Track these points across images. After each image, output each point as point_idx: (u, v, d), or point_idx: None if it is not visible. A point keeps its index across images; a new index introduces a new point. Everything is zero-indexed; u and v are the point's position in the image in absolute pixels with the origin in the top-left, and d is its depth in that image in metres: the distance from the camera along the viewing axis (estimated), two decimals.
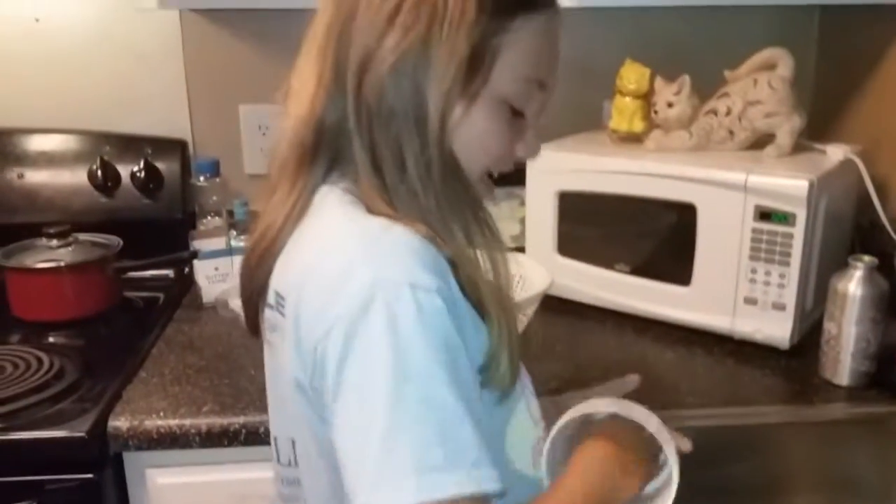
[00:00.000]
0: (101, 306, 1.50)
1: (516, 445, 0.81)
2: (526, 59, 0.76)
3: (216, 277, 1.53)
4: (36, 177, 1.65)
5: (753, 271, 1.31)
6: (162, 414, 1.16)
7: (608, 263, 1.47)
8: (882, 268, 1.21)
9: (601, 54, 1.59)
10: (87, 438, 1.11)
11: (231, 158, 1.73)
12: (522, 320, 1.24)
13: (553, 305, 1.47)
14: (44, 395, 1.19)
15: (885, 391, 1.21)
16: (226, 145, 1.75)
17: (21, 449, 1.12)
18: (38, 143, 1.66)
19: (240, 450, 1.14)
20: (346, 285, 0.66)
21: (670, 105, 1.44)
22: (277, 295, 0.76)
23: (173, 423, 1.14)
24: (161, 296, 1.59)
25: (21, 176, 1.64)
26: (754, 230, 1.29)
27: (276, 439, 0.85)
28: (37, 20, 1.66)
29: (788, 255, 1.27)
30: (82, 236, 1.55)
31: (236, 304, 1.42)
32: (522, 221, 1.57)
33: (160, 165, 1.68)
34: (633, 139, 1.51)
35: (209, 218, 1.65)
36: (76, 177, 1.65)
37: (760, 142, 1.43)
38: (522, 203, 1.56)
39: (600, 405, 0.88)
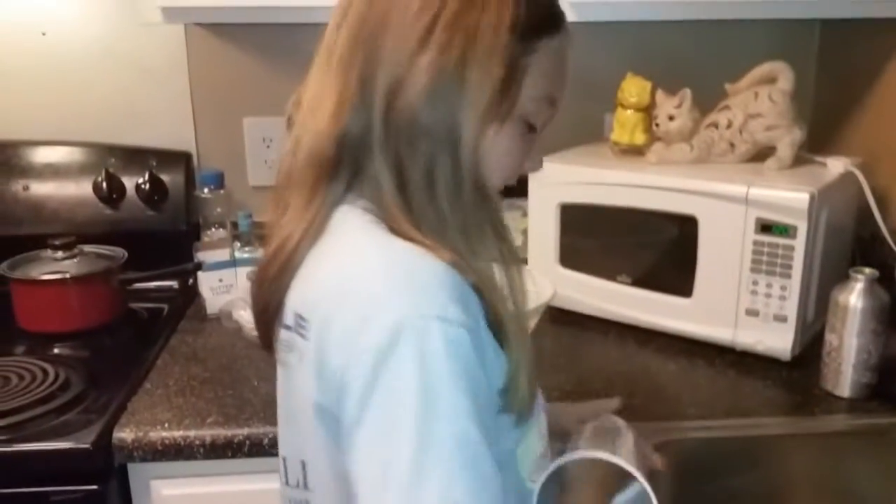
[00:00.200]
0: (105, 318, 1.51)
1: (526, 464, 0.81)
2: (546, 78, 0.77)
3: (220, 289, 1.53)
4: (41, 189, 1.66)
5: (755, 283, 1.31)
6: (166, 425, 1.16)
7: (610, 275, 1.47)
8: (883, 280, 1.22)
9: (603, 68, 1.60)
10: (91, 450, 1.11)
11: (235, 170, 1.75)
12: None
13: (555, 317, 1.48)
14: (49, 407, 1.19)
15: (887, 403, 1.22)
16: (230, 157, 1.76)
17: (26, 460, 1.12)
18: (43, 156, 1.67)
19: (244, 461, 1.15)
20: (376, 316, 0.66)
21: (671, 118, 1.45)
22: (298, 317, 0.75)
23: (178, 434, 1.15)
24: (165, 307, 1.60)
25: (27, 188, 1.66)
26: (755, 242, 1.30)
27: (284, 459, 0.84)
28: (43, 34, 1.68)
29: (789, 267, 1.28)
30: (87, 248, 1.56)
31: (240, 315, 1.44)
32: (524, 233, 1.58)
33: (165, 177, 1.69)
34: (635, 152, 1.52)
35: (213, 230, 1.66)
36: (81, 189, 1.66)
37: (761, 154, 1.43)
38: (524, 214, 1.57)
39: (603, 456, 0.85)
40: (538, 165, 0.85)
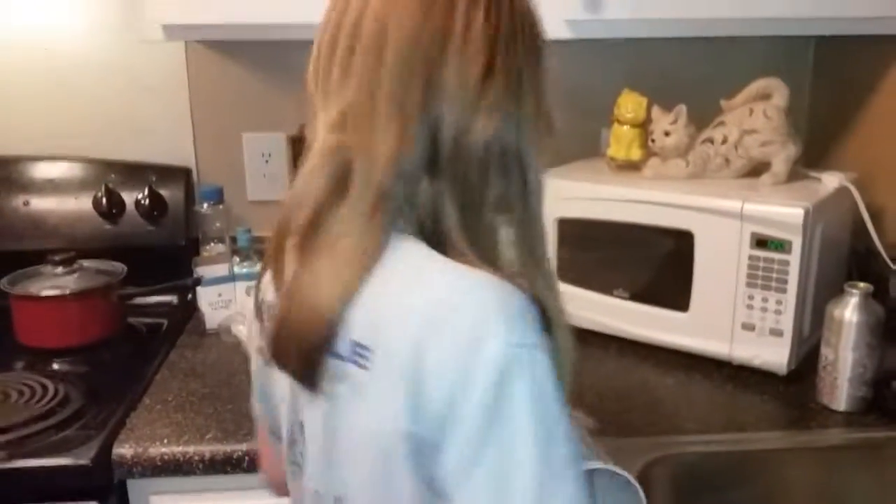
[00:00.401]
0: (105, 333, 1.52)
1: None
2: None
3: (219, 304, 1.54)
4: (41, 204, 1.67)
5: (751, 297, 1.32)
6: (165, 441, 1.17)
7: (607, 289, 1.48)
8: (878, 294, 1.23)
9: (599, 84, 1.62)
10: (91, 466, 1.12)
11: (234, 186, 1.76)
12: None
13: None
14: (48, 423, 1.20)
15: (883, 416, 1.22)
16: (229, 173, 1.77)
17: (26, 476, 1.12)
18: (43, 171, 1.68)
19: (243, 477, 1.15)
20: (485, 347, 0.67)
21: (667, 134, 1.46)
22: (356, 345, 0.72)
23: (177, 450, 1.15)
24: (164, 322, 1.61)
25: (27, 203, 1.66)
26: (751, 257, 1.31)
27: (316, 493, 0.82)
28: (45, 50, 1.69)
29: (785, 281, 1.29)
30: (87, 263, 1.56)
31: (239, 329, 1.45)
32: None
33: (164, 193, 1.69)
34: (631, 167, 1.53)
35: (212, 244, 1.67)
36: (81, 204, 1.67)
37: (757, 170, 1.45)
38: None
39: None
40: None
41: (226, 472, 1.16)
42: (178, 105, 1.74)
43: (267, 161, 1.78)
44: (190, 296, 1.63)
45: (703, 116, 1.48)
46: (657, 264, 1.46)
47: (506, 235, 0.76)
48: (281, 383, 0.84)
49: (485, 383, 0.66)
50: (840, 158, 1.65)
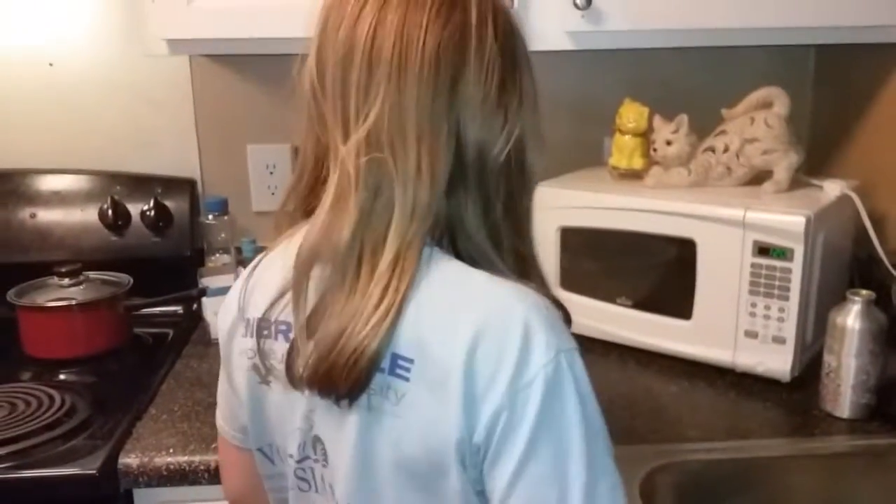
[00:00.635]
0: (111, 343, 1.53)
1: None
2: None
3: None
4: (48, 216, 1.68)
5: (753, 305, 1.33)
6: (171, 450, 1.17)
7: (610, 298, 1.49)
8: (880, 301, 1.23)
9: (601, 93, 1.63)
10: (98, 476, 1.13)
11: (239, 197, 1.77)
12: None
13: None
14: (55, 433, 1.21)
15: (886, 423, 1.23)
16: (234, 184, 1.78)
17: (33, 487, 1.14)
18: (50, 184, 1.70)
19: None
20: (532, 353, 0.71)
21: (669, 143, 1.47)
22: (399, 357, 0.74)
23: (183, 459, 1.16)
24: (170, 332, 1.62)
25: (33, 216, 1.68)
26: (753, 265, 1.31)
27: None
28: (51, 65, 1.71)
29: (787, 289, 1.29)
30: (93, 275, 1.57)
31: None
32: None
33: (170, 204, 1.71)
34: (633, 176, 1.54)
35: (217, 255, 1.68)
36: (87, 216, 1.68)
37: (758, 178, 1.45)
38: None
39: None
40: None
41: None
42: (183, 117, 1.76)
43: (271, 172, 1.79)
44: (195, 306, 1.64)
45: (704, 125, 1.49)
46: (660, 272, 1.47)
47: (508, 242, 0.81)
48: (283, 400, 0.83)
49: (538, 391, 0.70)
50: (842, 166, 1.66)
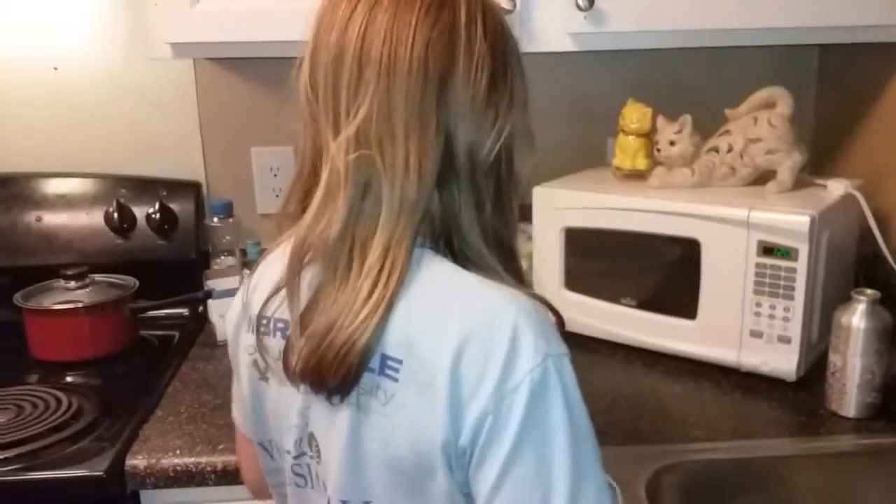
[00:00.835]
0: (117, 346, 1.54)
1: None
2: None
3: None
4: (54, 219, 1.69)
5: (758, 305, 1.33)
6: (178, 452, 1.18)
7: (615, 298, 1.49)
8: (885, 300, 1.23)
9: (604, 94, 1.63)
10: (105, 477, 1.13)
11: (243, 199, 1.77)
12: None
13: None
14: (62, 435, 1.22)
15: (892, 422, 1.23)
16: (238, 186, 1.79)
17: (40, 489, 1.14)
18: (55, 187, 1.70)
19: None
20: (519, 357, 0.71)
21: (672, 143, 1.47)
22: (388, 358, 0.75)
23: (189, 461, 1.16)
24: (176, 334, 1.62)
25: (39, 219, 1.68)
26: (758, 265, 1.32)
27: (343, 503, 0.82)
28: (55, 69, 1.71)
29: (792, 289, 1.29)
30: (99, 277, 1.58)
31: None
32: (529, 257, 1.60)
33: (175, 207, 1.71)
34: (637, 176, 1.54)
35: (223, 257, 1.69)
36: (93, 219, 1.69)
37: (762, 178, 1.45)
38: (529, 239, 1.59)
39: None
40: None
41: (238, 483, 1.16)
42: (188, 121, 1.76)
43: (275, 175, 1.79)
44: (201, 308, 1.65)
45: (707, 125, 1.49)
46: (664, 273, 1.47)
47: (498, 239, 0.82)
48: (281, 396, 0.84)
49: (523, 396, 0.71)
50: (845, 165, 1.66)
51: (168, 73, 1.72)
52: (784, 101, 1.43)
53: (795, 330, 1.30)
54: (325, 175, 0.77)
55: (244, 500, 1.18)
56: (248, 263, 1.66)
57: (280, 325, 0.83)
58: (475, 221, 0.79)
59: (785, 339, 1.31)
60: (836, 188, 1.41)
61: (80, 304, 1.51)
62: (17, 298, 1.51)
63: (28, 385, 1.40)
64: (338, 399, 0.76)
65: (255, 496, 1.05)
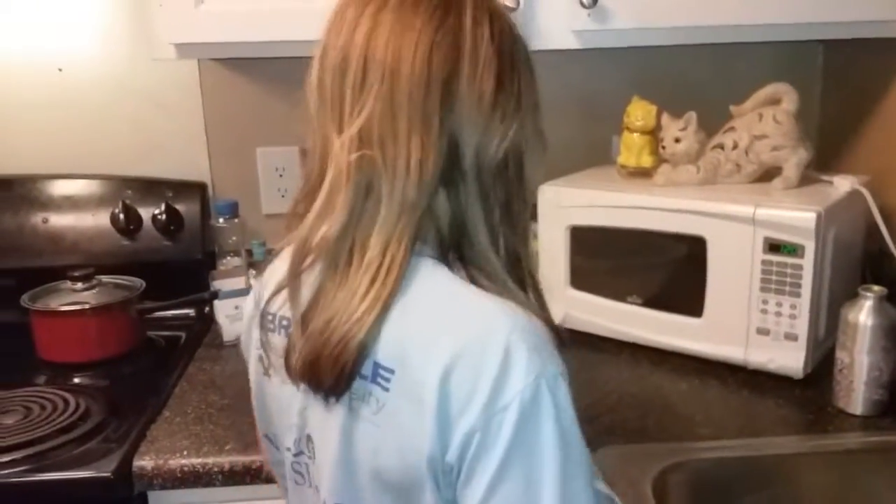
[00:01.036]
0: (124, 347, 1.54)
1: None
2: None
3: (236, 316, 1.55)
4: (60, 221, 1.69)
5: (765, 302, 1.32)
6: (185, 453, 1.18)
7: (620, 296, 1.49)
8: (892, 297, 1.23)
9: (609, 91, 1.63)
10: (112, 478, 1.13)
11: (249, 200, 1.77)
12: None
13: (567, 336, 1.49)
14: (70, 436, 1.22)
15: None
16: (243, 187, 1.79)
17: (48, 490, 1.14)
18: (61, 189, 1.71)
19: (262, 487, 1.16)
20: (510, 376, 0.70)
21: (677, 140, 1.46)
22: (379, 366, 0.75)
23: (196, 461, 1.17)
24: (183, 335, 1.63)
25: (46, 220, 1.69)
26: (764, 262, 1.31)
27: None
28: (60, 70, 1.72)
29: (799, 286, 1.29)
30: (106, 279, 1.58)
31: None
32: (535, 256, 1.60)
33: (180, 208, 1.71)
34: (642, 174, 1.54)
35: (228, 258, 1.69)
36: (99, 220, 1.69)
37: (768, 174, 1.45)
38: (535, 237, 1.59)
39: None
40: None
41: (245, 483, 1.17)
42: (193, 121, 1.77)
43: (281, 175, 1.80)
44: (207, 309, 1.65)
45: (712, 122, 1.49)
46: (670, 270, 1.47)
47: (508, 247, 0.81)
48: (282, 394, 0.85)
49: (513, 415, 0.70)
50: (851, 161, 1.65)
51: (173, 73, 1.73)
52: (789, 98, 1.43)
53: (802, 327, 1.30)
54: (329, 175, 0.77)
55: (250, 501, 1.19)
56: (253, 264, 1.66)
57: (284, 322, 0.84)
58: (482, 224, 0.78)
59: (791, 337, 1.31)
60: (842, 184, 1.41)
61: (87, 306, 1.51)
62: (25, 300, 1.51)
63: (36, 386, 1.40)
64: (333, 399, 0.77)
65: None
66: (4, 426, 1.24)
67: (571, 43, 1.39)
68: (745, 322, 1.35)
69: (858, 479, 1.19)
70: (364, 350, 0.74)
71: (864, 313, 1.21)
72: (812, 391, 1.31)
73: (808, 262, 1.28)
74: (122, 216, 1.68)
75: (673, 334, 1.43)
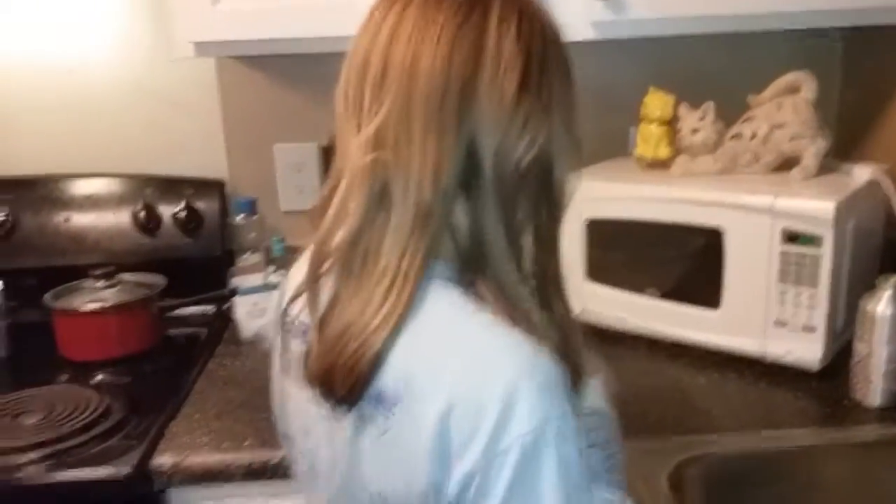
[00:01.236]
0: (145, 344, 1.55)
1: None
2: None
3: (255, 313, 1.57)
4: (82, 220, 1.71)
5: (783, 293, 1.31)
6: (205, 449, 1.19)
7: (638, 288, 1.48)
8: None
9: (625, 83, 1.62)
10: (133, 475, 1.15)
11: (267, 196, 1.78)
12: None
13: (585, 331, 1.48)
14: (91, 434, 1.24)
15: None
16: (262, 184, 1.80)
17: (70, 487, 1.16)
18: (82, 188, 1.73)
19: (281, 483, 1.16)
20: (511, 420, 0.68)
21: (695, 131, 1.45)
22: (383, 392, 0.73)
23: (216, 458, 1.18)
24: (203, 332, 1.64)
25: (67, 220, 1.71)
26: (782, 253, 1.30)
27: None
28: (70, 71, 1.73)
29: (817, 277, 1.28)
30: (127, 276, 1.60)
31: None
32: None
33: (200, 206, 1.73)
34: (660, 165, 1.53)
35: (247, 255, 1.70)
36: (120, 219, 1.71)
37: (786, 164, 1.43)
38: None
39: None
40: None
41: (265, 479, 1.18)
42: (211, 119, 1.78)
43: (299, 171, 1.80)
44: (227, 306, 1.66)
45: (730, 112, 1.48)
46: (688, 262, 1.46)
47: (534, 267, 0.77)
48: (298, 398, 0.84)
49: (514, 457, 0.68)
50: (871, 151, 1.63)
51: (191, 72, 1.74)
52: (808, 86, 1.41)
53: (820, 319, 1.29)
54: (346, 177, 0.76)
55: (270, 497, 1.20)
56: (272, 260, 1.67)
57: (302, 328, 0.83)
58: (502, 237, 0.74)
59: (809, 329, 1.30)
60: (861, 174, 1.39)
61: (108, 304, 1.52)
62: (47, 299, 1.53)
63: (58, 385, 1.42)
64: (345, 408, 0.75)
65: None
66: (28, 425, 1.26)
67: (588, 34, 1.38)
68: (763, 314, 1.34)
69: (875, 472, 1.18)
70: (378, 361, 0.72)
71: (882, 304, 1.20)
72: (829, 383, 1.30)
73: (826, 252, 1.26)
74: (142, 214, 1.69)
75: (691, 327, 1.42)
